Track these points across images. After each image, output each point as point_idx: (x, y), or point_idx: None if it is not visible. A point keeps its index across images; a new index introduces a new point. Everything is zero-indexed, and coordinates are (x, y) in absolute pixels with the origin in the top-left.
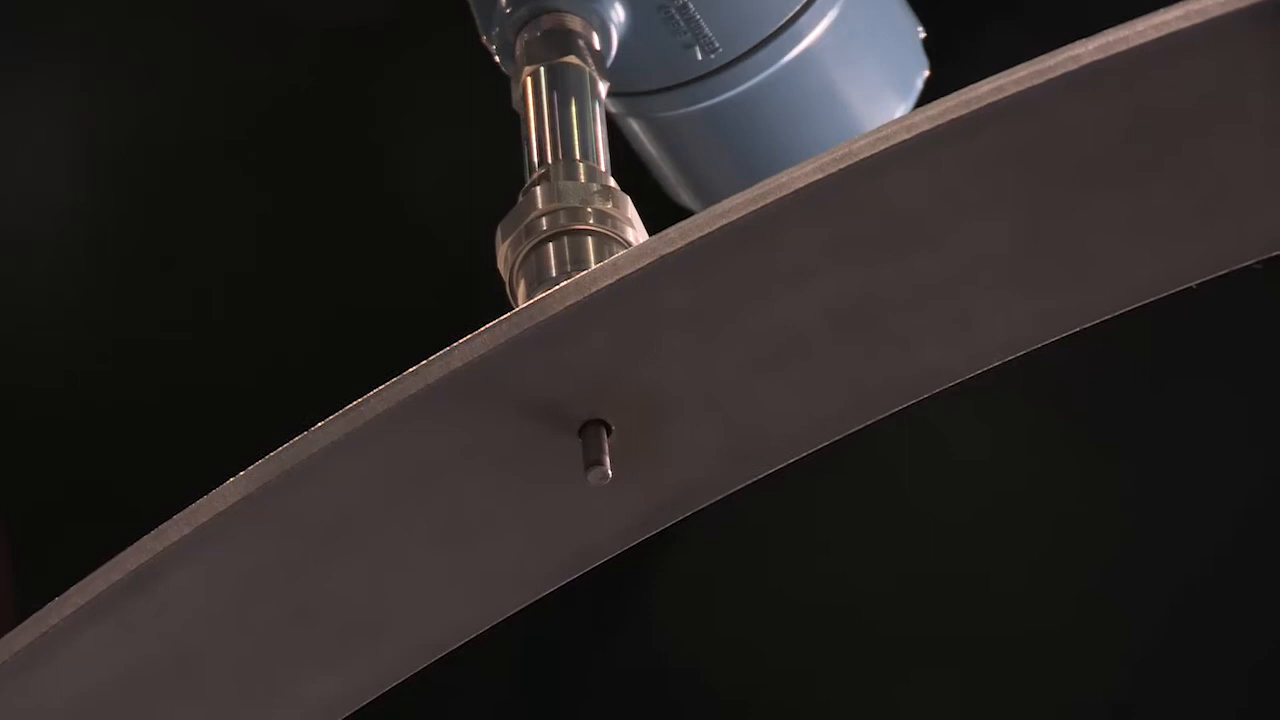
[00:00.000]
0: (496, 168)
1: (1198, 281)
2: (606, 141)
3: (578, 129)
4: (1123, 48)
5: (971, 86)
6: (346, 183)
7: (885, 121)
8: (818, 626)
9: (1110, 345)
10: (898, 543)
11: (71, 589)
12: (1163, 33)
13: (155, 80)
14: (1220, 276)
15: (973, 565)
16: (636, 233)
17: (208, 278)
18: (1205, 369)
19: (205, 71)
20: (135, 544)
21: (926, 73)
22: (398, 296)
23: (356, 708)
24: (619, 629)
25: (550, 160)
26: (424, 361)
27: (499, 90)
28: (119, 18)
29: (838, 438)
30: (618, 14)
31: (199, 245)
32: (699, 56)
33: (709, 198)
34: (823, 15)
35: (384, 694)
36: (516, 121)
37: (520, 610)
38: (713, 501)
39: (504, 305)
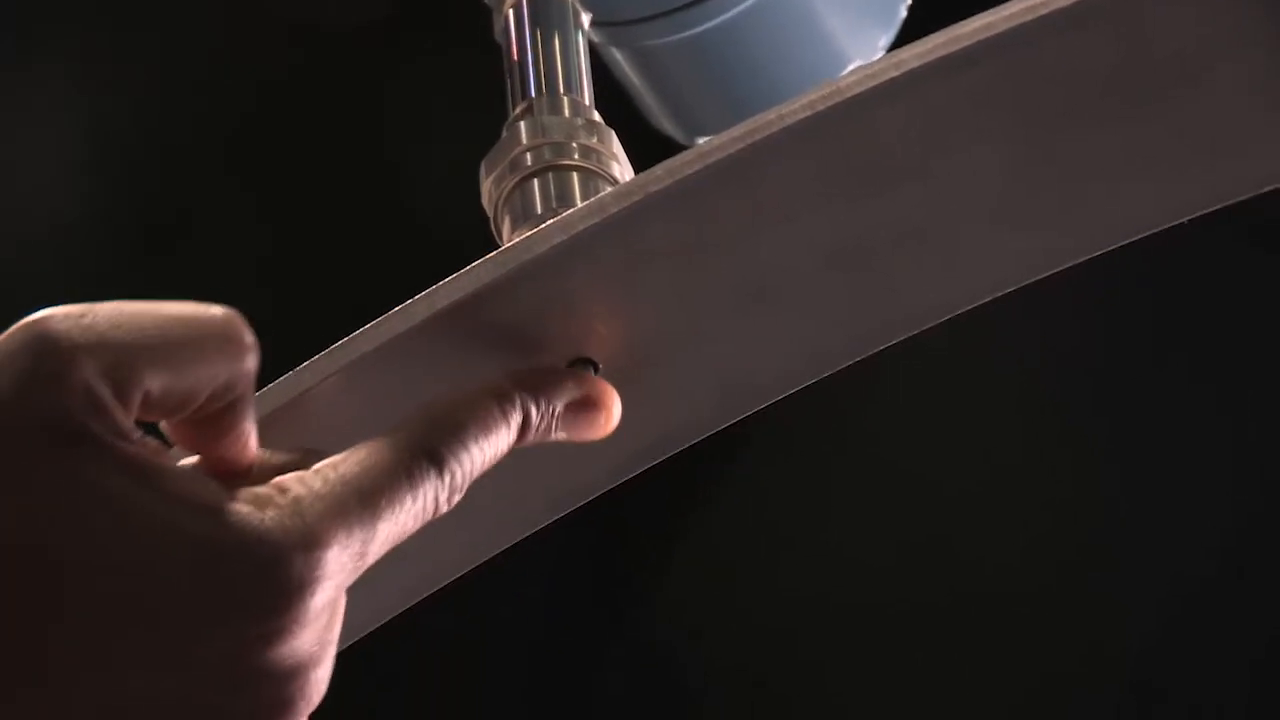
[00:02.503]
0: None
1: (1188, 218)
2: (591, 74)
3: (561, 62)
4: None
5: (961, 23)
6: (353, 182)
7: (868, 51)
8: (826, 609)
9: (1114, 328)
10: (903, 524)
11: None
12: None
13: (159, 82)
14: (1227, 263)
15: (975, 544)
16: (622, 168)
17: (211, 277)
18: (1210, 360)
19: (208, 72)
20: None
21: (909, 1)
22: (405, 295)
23: None
24: (631, 617)
25: (534, 94)
26: (409, 301)
27: (502, 86)
28: (121, 18)
29: (826, 375)
30: None
31: (203, 246)
32: None
33: (692, 126)
34: None
35: (403, 683)
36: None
37: (535, 598)
38: (699, 439)
39: None
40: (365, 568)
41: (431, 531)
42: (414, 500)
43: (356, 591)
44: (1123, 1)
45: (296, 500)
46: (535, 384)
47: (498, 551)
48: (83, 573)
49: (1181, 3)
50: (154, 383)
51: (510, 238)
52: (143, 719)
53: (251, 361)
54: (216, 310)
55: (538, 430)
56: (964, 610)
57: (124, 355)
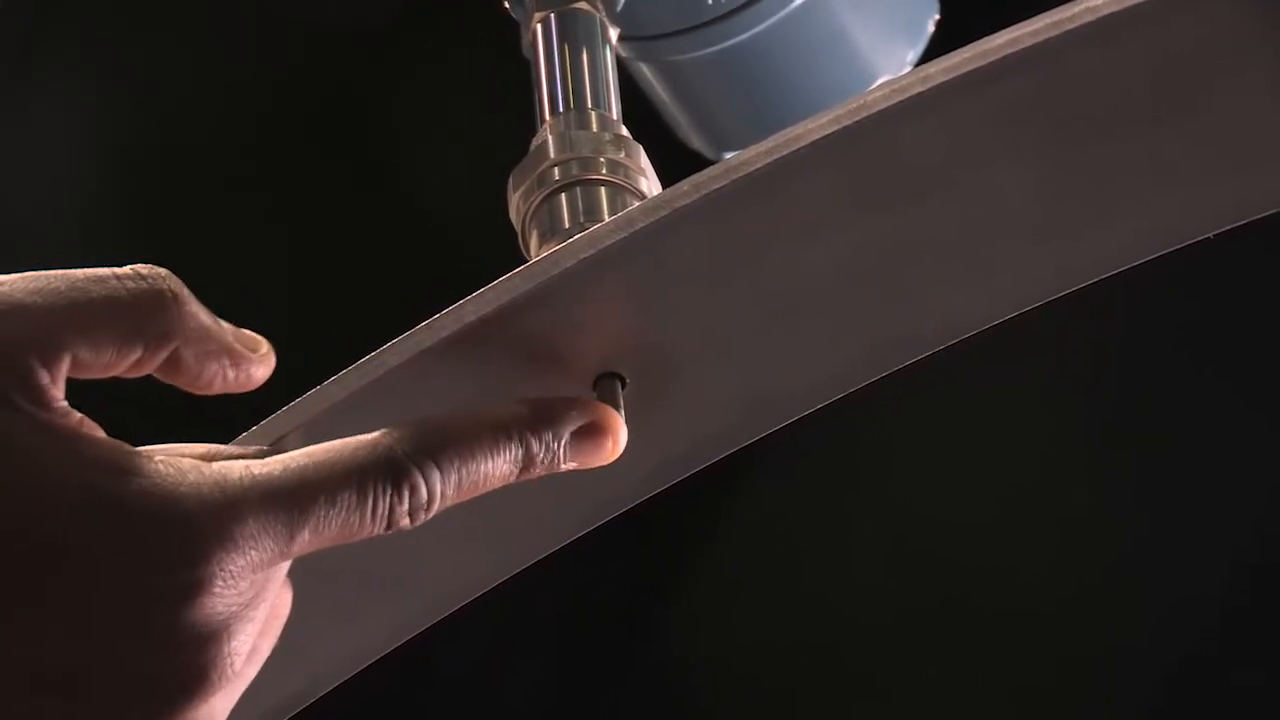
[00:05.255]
0: (508, 166)
1: (1215, 233)
2: (618, 89)
3: (589, 76)
4: None
5: (987, 38)
6: (358, 184)
7: (896, 65)
8: (842, 626)
9: (1131, 339)
10: (917, 541)
11: None
12: None
13: (163, 83)
14: (1249, 274)
15: (991, 561)
16: (649, 182)
17: (216, 279)
18: (1231, 373)
19: (213, 73)
20: None
21: (937, 16)
22: (409, 296)
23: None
24: (649, 633)
25: (561, 109)
26: (437, 315)
27: (511, 85)
28: (128, 20)
29: (852, 390)
30: None
31: (208, 248)
32: (710, 0)
33: (719, 141)
34: None
35: (420, 694)
36: (527, 87)
37: (556, 613)
38: (727, 453)
39: None
40: (293, 555)
41: (458, 547)
42: (360, 506)
43: (381, 608)
44: (1147, 14)
45: (224, 473)
46: (538, 417)
47: (526, 566)
48: None
49: (1205, 14)
50: (79, 346)
51: (538, 252)
52: (51, 680)
53: (175, 308)
54: (128, 270)
55: (543, 464)
56: (979, 628)
57: (47, 321)
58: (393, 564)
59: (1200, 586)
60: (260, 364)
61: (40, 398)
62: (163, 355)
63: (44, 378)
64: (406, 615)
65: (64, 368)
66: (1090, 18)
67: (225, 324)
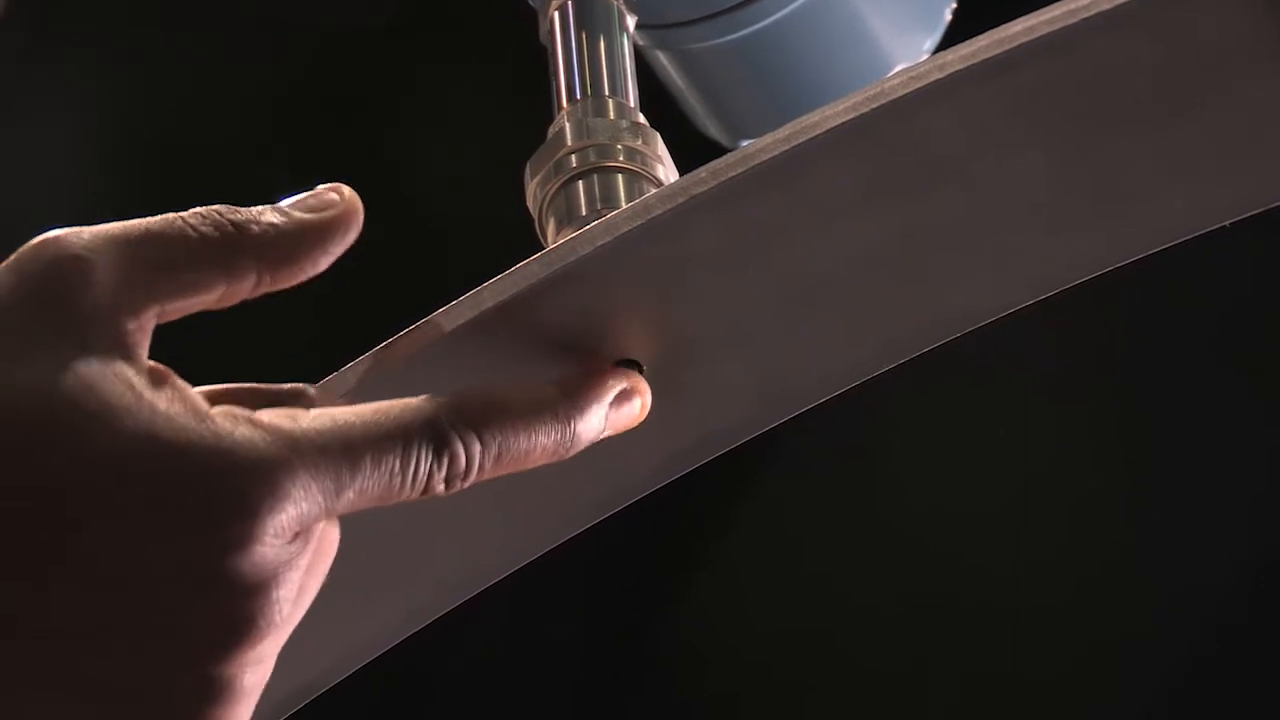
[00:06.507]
0: (512, 167)
1: (1231, 221)
2: (635, 77)
3: (606, 64)
4: None
5: (1004, 25)
6: (360, 184)
7: (912, 53)
8: (844, 619)
9: (1138, 329)
10: (926, 535)
11: None
12: None
13: (165, 83)
14: (1254, 256)
15: (999, 555)
16: (667, 170)
17: None
18: (1232, 359)
19: (217, 74)
20: None
21: (954, 4)
22: (410, 298)
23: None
24: (660, 622)
25: (579, 96)
26: (454, 301)
27: (512, 86)
28: (127, 18)
29: (867, 379)
30: None
31: None
32: None
33: (736, 128)
34: None
35: (431, 683)
36: (534, 94)
37: (569, 601)
38: (741, 441)
39: None
40: (340, 510)
41: (469, 535)
42: (402, 469)
43: (391, 597)
44: (1164, 3)
45: (274, 426)
46: (582, 397)
47: (539, 554)
48: (53, 458)
49: (1221, 4)
50: (164, 292)
51: (555, 239)
52: (106, 619)
53: (239, 239)
54: (188, 213)
55: (587, 441)
56: (986, 622)
57: (134, 272)
58: (401, 553)
59: (1210, 583)
60: (346, 218)
61: (123, 347)
62: (248, 283)
63: (132, 325)
64: (416, 605)
65: (152, 316)
66: (1107, 5)
67: (296, 206)
